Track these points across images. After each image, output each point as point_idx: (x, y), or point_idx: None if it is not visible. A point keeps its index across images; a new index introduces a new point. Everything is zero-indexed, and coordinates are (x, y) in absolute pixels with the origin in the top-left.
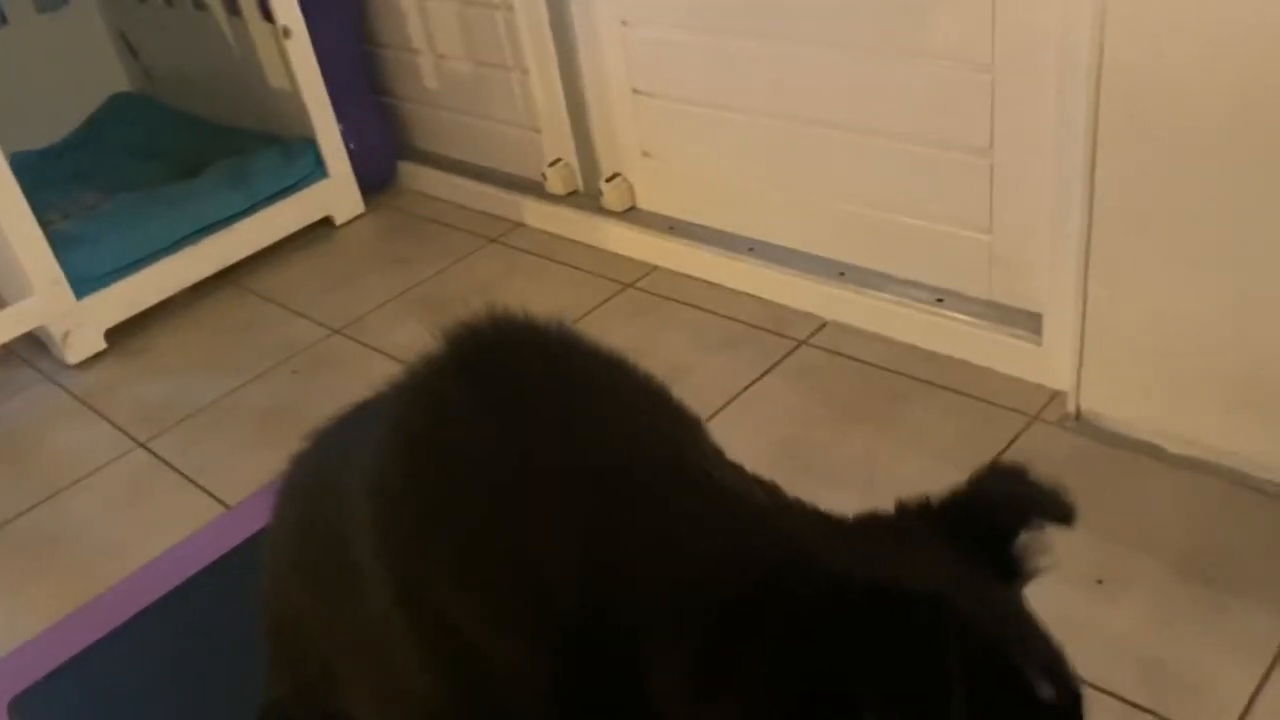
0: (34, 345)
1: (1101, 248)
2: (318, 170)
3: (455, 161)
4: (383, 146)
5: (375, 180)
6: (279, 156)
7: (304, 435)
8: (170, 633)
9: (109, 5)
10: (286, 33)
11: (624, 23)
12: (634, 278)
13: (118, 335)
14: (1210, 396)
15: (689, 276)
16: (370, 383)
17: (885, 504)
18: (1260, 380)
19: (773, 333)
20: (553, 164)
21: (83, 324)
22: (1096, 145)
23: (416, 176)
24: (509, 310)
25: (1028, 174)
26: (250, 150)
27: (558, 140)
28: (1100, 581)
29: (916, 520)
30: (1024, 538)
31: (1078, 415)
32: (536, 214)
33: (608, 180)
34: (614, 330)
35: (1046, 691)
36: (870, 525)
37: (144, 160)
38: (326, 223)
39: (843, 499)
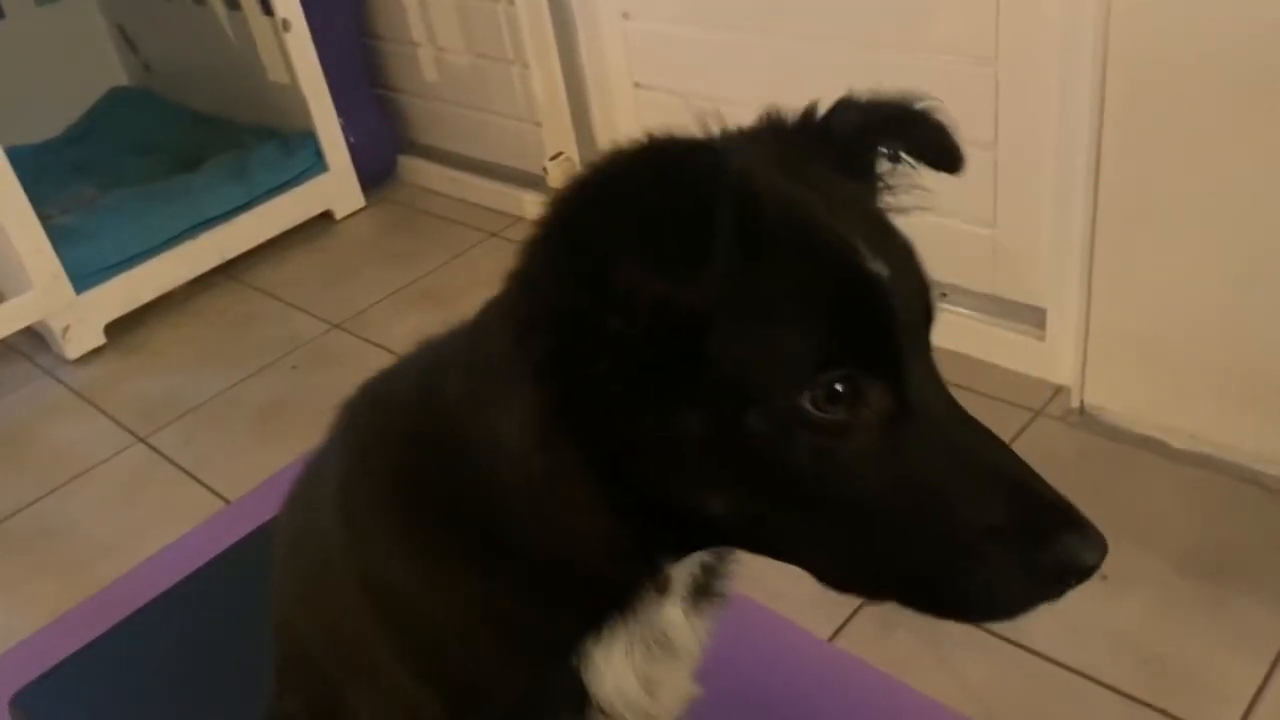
0: (33, 340)
1: (1105, 242)
2: (317, 164)
3: (455, 155)
4: (382, 140)
5: (375, 174)
6: (278, 151)
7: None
8: (171, 628)
9: None
10: (286, 26)
11: (625, 16)
12: None
13: (117, 330)
14: (1215, 391)
15: None
16: None
17: None
18: (1265, 375)
19: None
20: (554, 158)
21: (82, 319)
22: (1101, 139)
23: (416, 170)
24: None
25: (1032, 168)
26: (249, 144)
27: (559, 134)
28: (1104, 577)
29: (779, 130)
30: (884, 155)
31: (1081, 410)
32: (537, 208)
33: None
34: None
35: (876, 266)
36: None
37: (143, 154)
38: (326, 217)
39: None
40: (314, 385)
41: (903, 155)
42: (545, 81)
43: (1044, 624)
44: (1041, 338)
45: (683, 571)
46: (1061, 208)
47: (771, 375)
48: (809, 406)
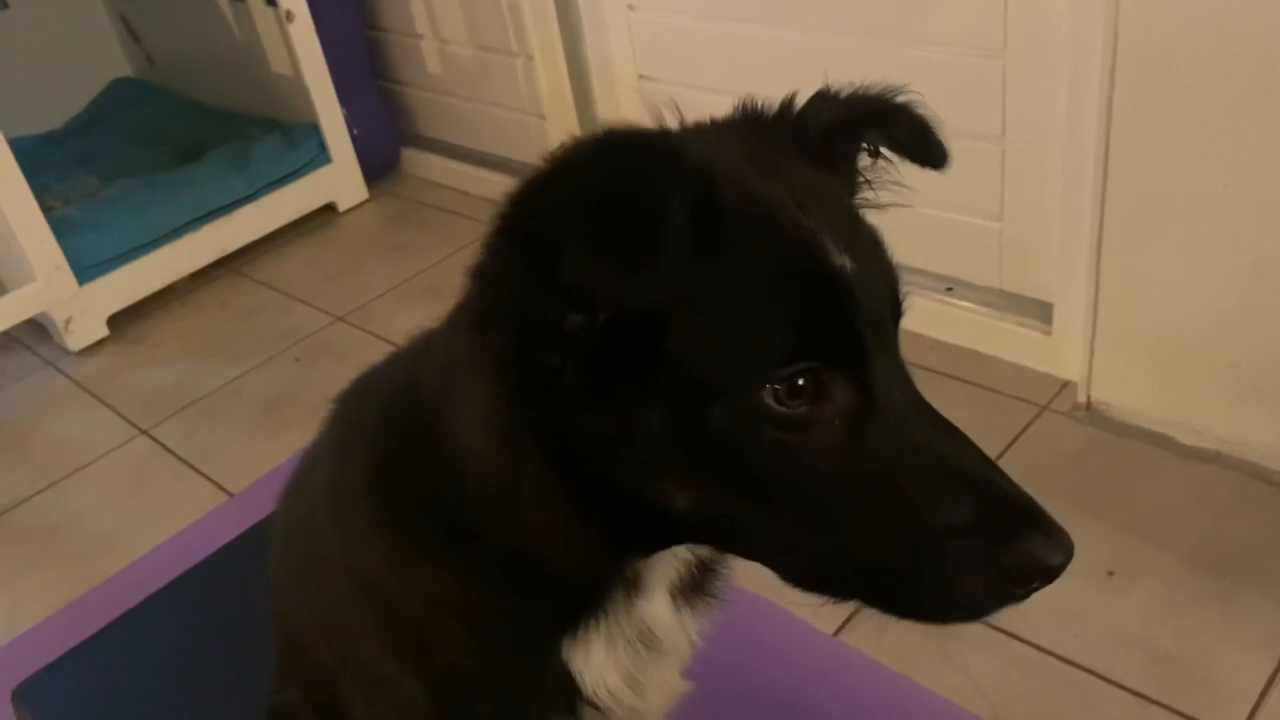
0: (35, 331)
1: (1113, 236)
2: (320, 156)
3: (459, 148)
4: (386, 132)
5: (378, 166)
6: (281, 142)
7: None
8: (174, 621)
9: None
10: (289, 17)
11: (630, 7)
12: None
13: (119, 322)
14: (1222, 387)
15: None
16: None
17: None
18: (1272, 371)
19: None
20: None
21: (84, 310)
22: (1110, 133)
23: (420, 163)
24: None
25: (1039, 162)
26: (252, 136)
27: (563, 126)
28: (1111, 573)
29: (756, 120)
30: (864, 150)
31: (1088, 405)
32: None
33: None
34: None
35: (840, 259)
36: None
37: (146, 146)
38: (329, 209)
39: None
40: (316, 378)
41: (882, 151)
42: (549, 74)
43: (1050, 619)
44: (1048, 332)
45: (658, 569)
46: (1069, 202)
47: (733, 370)
48: (771, 401)
